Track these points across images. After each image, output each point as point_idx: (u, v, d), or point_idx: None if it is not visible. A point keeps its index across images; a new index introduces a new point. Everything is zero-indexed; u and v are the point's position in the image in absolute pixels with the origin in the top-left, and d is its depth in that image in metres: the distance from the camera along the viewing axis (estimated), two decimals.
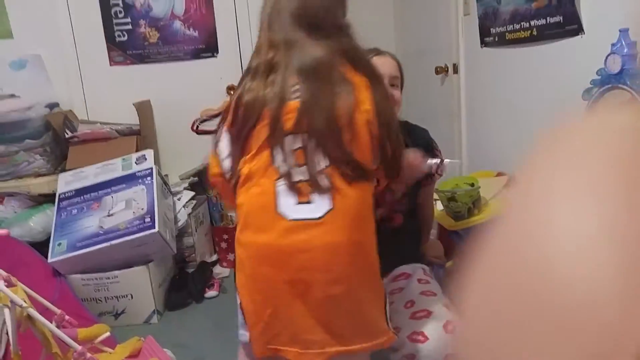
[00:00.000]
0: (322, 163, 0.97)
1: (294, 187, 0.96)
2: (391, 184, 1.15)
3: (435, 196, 2.00)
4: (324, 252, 0.95)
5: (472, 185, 1.91)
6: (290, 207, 0.96)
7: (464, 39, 2.48)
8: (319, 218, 0.95)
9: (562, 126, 0.23)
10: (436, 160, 1.31)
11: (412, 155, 1.21)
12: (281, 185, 0.97)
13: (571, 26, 1.72)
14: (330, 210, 0.95)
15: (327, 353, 0.99)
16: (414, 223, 1.47)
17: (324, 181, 0.96)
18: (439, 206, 2.00)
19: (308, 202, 0.96)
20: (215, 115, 2.03)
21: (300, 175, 0.97)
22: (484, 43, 2.29)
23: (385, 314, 1.05)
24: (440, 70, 2.64)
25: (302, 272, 0.96)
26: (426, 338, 1.11)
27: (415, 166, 1.22)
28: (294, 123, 0.99)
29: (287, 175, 0.97)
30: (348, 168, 0.98)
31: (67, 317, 1.61)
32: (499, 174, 2.16)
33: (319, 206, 0.96)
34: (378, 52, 1.36)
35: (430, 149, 1.39)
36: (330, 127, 0.98)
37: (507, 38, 2.09)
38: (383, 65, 1.30)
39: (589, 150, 0.21)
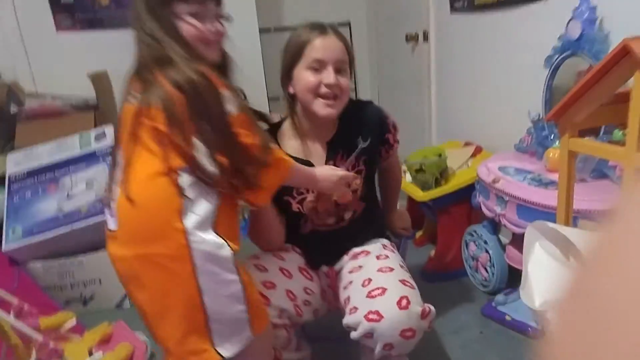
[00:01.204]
0: (118, 177, 1.00)
1: (108, 200, 1.02)
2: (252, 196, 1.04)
3: (404, 168, 2.00)
4: (121, 264, 1.00)
5: (440, 156, 1.92)
6: (108, 218, 1.03)
7: (434, 5, 2.43)
8: (114, 230, 0.99)
9: None
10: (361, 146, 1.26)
11: (320, 171, 1.18)
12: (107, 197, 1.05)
13: None
14: (118, 223, 0.98)
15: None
16: (374, 203, 1.42)
17: (113, 195, 1.00)
18: (407, 178, 1.99)
19: (112, 215, 1.01)
20: None
21: (110, 188, 1.03)
22: (453, 8, 2.25)
23: (205, 331, 0.97)
24: (411, 38, 2.59)
25: (120, 276, 1.03)
26: (381, 316, 1.08)
27: (328, 178, 1.18)
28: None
29: (108, 188, 1.04)
30: (136, 183, 0.96)
31: (26, 306, 1.51)
32: (467, 144, 2.17)
33: (113, 219, 1.00)
34: (322, 30, 1.18)
35: (383, 123, 1.34)
36: (125, 138, 0.99)
37: (475, 3, 2.06)
38: (327, 48, 1.17)
39: None
